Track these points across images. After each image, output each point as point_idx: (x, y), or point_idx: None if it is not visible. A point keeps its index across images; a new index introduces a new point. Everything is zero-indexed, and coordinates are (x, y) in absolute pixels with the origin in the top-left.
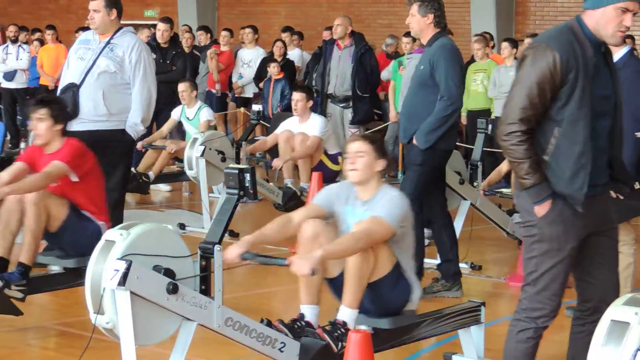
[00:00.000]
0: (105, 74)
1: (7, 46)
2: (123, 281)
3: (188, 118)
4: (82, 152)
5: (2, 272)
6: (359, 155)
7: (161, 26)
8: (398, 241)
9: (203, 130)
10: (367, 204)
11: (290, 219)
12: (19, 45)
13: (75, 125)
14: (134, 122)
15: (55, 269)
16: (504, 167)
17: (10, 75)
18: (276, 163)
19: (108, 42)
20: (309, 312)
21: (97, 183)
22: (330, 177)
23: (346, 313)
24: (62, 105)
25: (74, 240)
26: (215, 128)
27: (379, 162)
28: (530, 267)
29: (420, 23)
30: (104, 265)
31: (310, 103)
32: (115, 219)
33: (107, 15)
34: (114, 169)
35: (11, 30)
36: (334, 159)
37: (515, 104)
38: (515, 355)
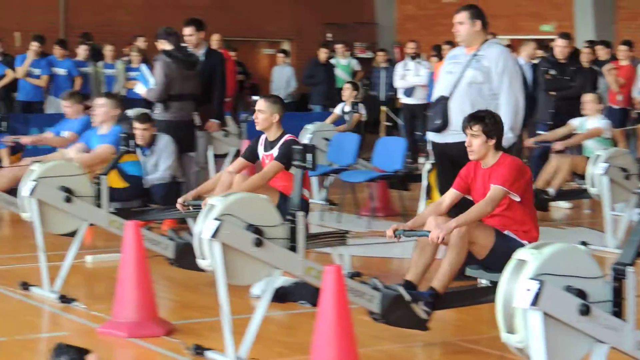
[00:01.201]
0: (473, 85)
1: (406, 63)
2: (535, 301)
3: None
4: (520, 169)
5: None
6: None
7: (560, 42)
8: None
9: None
10: None
11: None
12: (418, 62)
13: (446, 137)
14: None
15: (483, 282)
16: None
17: (409, 92)
18: None
19: (475, 54)
20: None
21: (529, 202)
22: None
23: None
24: (494, 120)
25: (499, 264)
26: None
27: None
28: None
29: None
30: (515, 285)
31: None
32: None
33: (471, 26)
34: None
35: (410, 47)
36: None
37: None
38: None
